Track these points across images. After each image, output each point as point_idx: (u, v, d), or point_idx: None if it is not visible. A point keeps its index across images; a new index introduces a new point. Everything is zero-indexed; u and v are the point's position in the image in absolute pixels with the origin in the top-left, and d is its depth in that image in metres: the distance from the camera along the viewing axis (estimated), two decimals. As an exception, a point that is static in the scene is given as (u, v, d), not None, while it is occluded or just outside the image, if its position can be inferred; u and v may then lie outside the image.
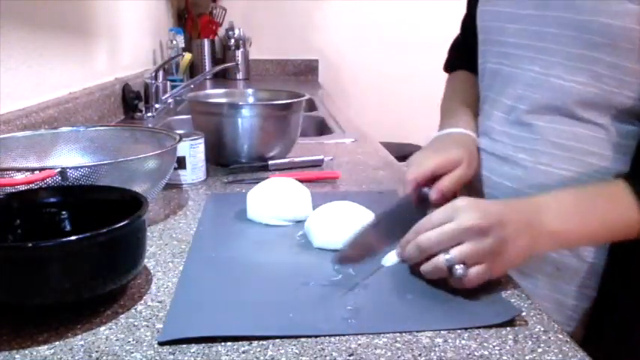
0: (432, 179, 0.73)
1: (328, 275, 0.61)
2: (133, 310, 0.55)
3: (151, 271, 0.63)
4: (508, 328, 0.52)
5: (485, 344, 0.49)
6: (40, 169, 0.65)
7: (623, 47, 0.64)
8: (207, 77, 2.56)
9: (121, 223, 0.52)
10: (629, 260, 0.68)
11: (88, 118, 1.29)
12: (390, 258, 0.62)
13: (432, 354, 0.48)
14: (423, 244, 0.58)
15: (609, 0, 0.63)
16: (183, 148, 0.92)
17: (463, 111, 0.88)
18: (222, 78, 2.65)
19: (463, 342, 0.49)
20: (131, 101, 1.58)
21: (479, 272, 0.56)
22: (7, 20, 0.98)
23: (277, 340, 0.49)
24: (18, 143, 0.81)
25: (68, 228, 0.63)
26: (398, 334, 0.50)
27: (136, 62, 1.88)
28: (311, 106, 1.90)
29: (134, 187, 0.66)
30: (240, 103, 1.12)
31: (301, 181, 0.83)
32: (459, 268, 0.55)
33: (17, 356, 0.47)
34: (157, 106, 1.64)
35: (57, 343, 0.49)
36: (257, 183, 0.81)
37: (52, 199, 0.63)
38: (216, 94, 1.22)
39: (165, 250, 0.69)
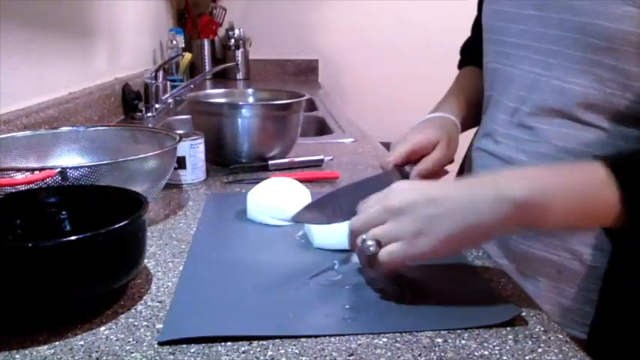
0: (416, 159, 0.76)
1: (328, 275, 0.61)
2: (133, 310, 0.55)
3: (151, 271, 0.63)
4: (508, 328, 0.52)
5: (485, 344, 0.49)
6: (40, 169, 0.65)
7: (624, 50, 0.63)
8: (207, 77, 2.56)
9: (121, 223, 0.52)
10: (631, 263, 0.68)
11: (88, 118, 1.29)
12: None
13: (432, 354, 0.48)
14: (352, 226, 0.58)
15: (609, 3, 0.62)
16: (183, 148, 0.92)
17: (452, 99, 0.90)
18: (222, 78, 2.65)
19: (463, 342, 0.49)
20: (131, 101, 1.58)
21: (392, 251, 0.53)
22: (7, 20, 0.98)
23: (277, 340, 0.49)
24: (18, 143, 0.81)
25: (68, 228, 0.63)
26: (398, 334, 0.50)
27: (136, 62, 1.88)
28: (311, 106, 1.90)
29: (134, 187, 0.66)
30: (240, 103, 1.12)
31: (301, 181, 0.83)
32: (370, 244, 0.54)
33: (17, 356, 0.47)
34: (157, 106, 1.64)
35: (57, 343, 0.49)
36: (257, 183, 0.81)
37: (52, 199, 0.63)
38: (216, 94, 1.22)
39: (165, 250, 0.69)
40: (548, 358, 0.48)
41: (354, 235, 0.58)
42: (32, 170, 0.66)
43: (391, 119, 2.81)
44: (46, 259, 0.49)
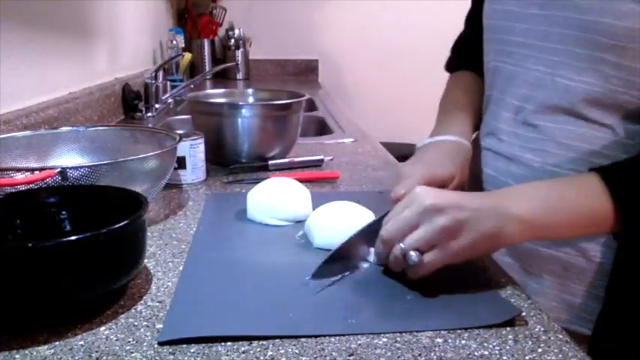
0: None
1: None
2: (133, 310, 0.55)
3: (151, 271, 0.63)
4: (508, 328, 0.52)
5: (485, 344, 0.49)
6: (40, 169, 0.65)
7: (629, 48, 0.63)
8: (207, 77, 2.56)
9: (121, 223, 0.52)
10: (637, 260, 0.68)
11: (88, 118, 1.29)
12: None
13: (432, 354, 0.48)
14: (385, 235, 0.58)
15: (615, 0, 0.62)
16: (183, 148, 0.92)
17: (458, 116, 0.85)
18: (222, 78, 2.65)
19: (463, 342, 0.49)
20: (131, 101, 1.58)
21: (432, 258, 0.55)
22: (7, 20, 0.98)
23: (277, 340, 0.49)
24: (18, 143, 0.81)
25: (68, 228, 0.63)
26: (398, 334, 0.50)
27: (136, 62, 1.88)
28: (311, 106, 1.90)
29: (134, 187, 0.66)
30: (240, 103, 1.12)
31: (301, 181, 0.83)
32: (413, 255, 0.55)
33: (17, 356, 0.47)
34: (157, 106, 1.64)
35: (57, 343, 0.49)
36: (257, 183, 0.81)
37: (52, 199, 0.63)
38: (216, 94, 1.22)
39: (165, 250, 0.69)
40: (548, 358, 0.48)
41: (388, 244, 0.58)
42: (32, 170, 0.66)
43: (391, 119, 2.82)
44: (46, 259, 0.49)
